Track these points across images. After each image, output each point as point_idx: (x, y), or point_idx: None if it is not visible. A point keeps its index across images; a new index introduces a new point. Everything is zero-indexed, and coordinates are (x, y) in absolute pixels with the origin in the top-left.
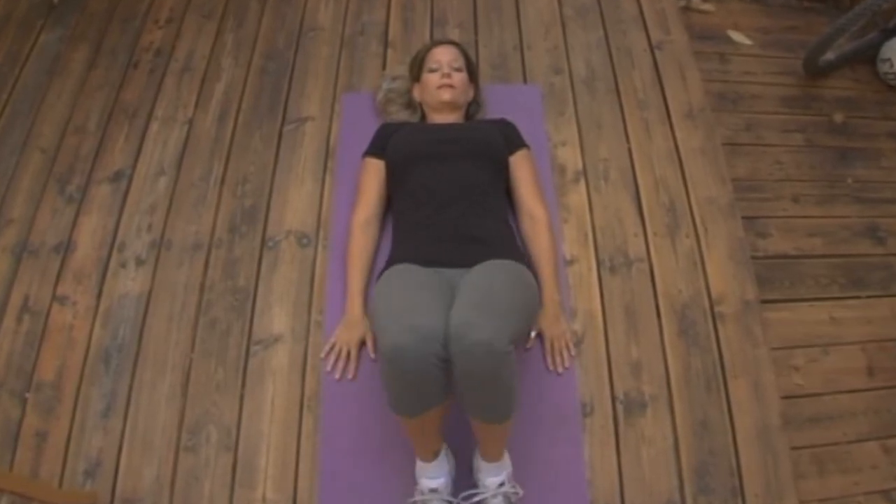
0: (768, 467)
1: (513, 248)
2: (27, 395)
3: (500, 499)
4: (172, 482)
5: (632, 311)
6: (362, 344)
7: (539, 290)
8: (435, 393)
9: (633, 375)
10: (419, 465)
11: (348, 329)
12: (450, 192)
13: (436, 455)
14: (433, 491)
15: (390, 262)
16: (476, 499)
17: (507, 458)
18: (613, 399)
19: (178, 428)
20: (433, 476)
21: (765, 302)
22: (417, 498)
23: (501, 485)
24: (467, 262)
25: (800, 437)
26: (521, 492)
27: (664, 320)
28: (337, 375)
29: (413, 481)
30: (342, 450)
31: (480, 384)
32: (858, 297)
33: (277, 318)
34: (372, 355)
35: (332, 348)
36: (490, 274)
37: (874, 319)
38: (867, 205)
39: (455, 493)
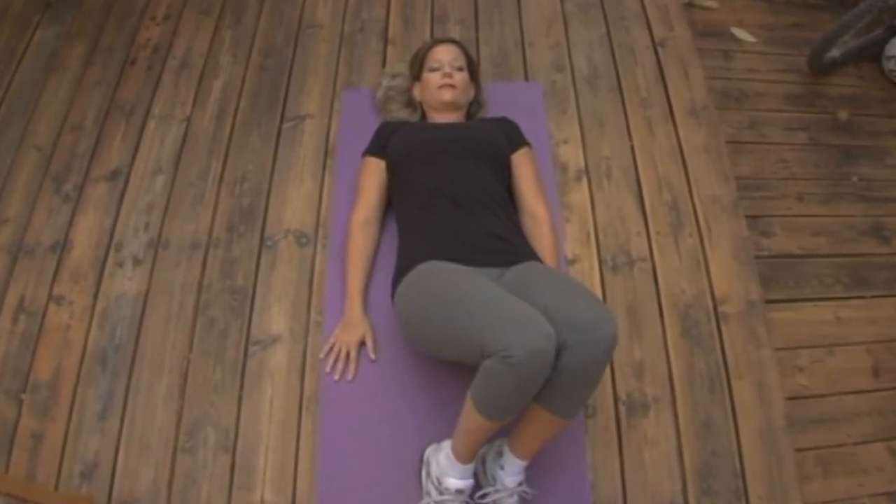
0: (772, 469)
1: (530, 248)
2: (23, 396)
3: (515, 498)
4: (170, 484)
5: (634, 310)
6: (362, 344)
7: None
8: (533, 395)
9: (635, 376)
10: (449, 464)
11: (347, 329)
12: (461, 190)
13: (476, 457)
14: (459, 492)
15: (414, 261)
16: (491, 497)
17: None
18: (616, 400)
19: (175, 429)
20: (463, 477)
21: (769, 302)
22: (439, 498)
23: (520, 484)
24: (499, 262)
25: (804, 439)
26: (533, 492)
27: (667, 320)
28: (336, 376)
29: (414, 482)
30: (341, 451)
31: (589, 377)
32: (863, 297)
33: (276, 319)
34: (372, 356)
35: (331, 349)
36: (551, 273)
37: (879, 319)
38: (872, 203)
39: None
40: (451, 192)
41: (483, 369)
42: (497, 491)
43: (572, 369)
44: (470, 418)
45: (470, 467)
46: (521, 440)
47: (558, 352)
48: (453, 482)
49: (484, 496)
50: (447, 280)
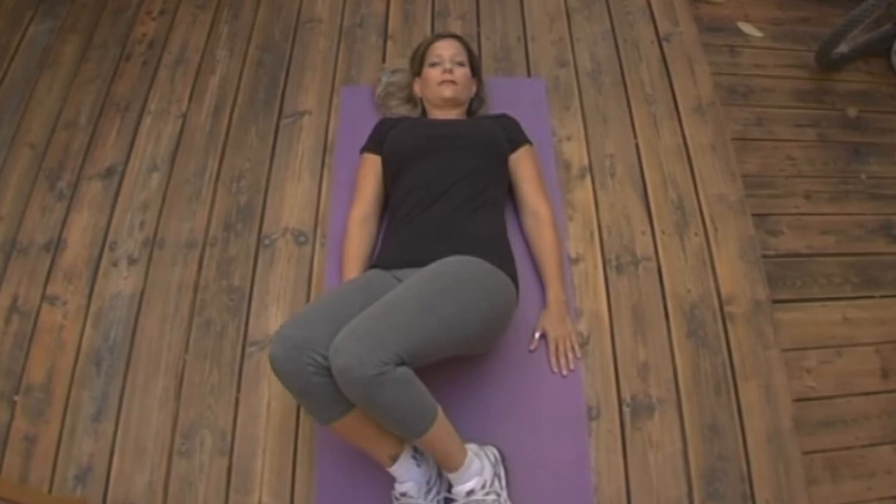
0: (779, 472)
1: (493, 247)
2: (16, 397)
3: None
4: (165, 488)
5: (639, 311)
6: None
7: (545, 289)
8: (330, 402)
9: (640, 378)
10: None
11: None
12: (443, 189)
13: (393, 459)
14: (403, 495)
15: (370, 267)
16: None
17: (476, 465)
18: (620, 402)
19: (171, 432)
20: (400, 480)
21: (776, 302)
22: (393, 502)
23: (470, 493)
24: (419, 262)
25: (812, 442)
26: (500, 494)
27: (672, 321)
28: None
29: None
30: (340, 454)
31: (366, 407)
32: (872, 297)
33: (274, 319)
34: None
35: None
36: (421, 276)
37: (889, 320)
38: (881, 202)
39: (437, 493)
40: (427, 189)
41: None
42: (452, 498)
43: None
44: None
45: (404, 470)
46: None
47: None
48: (396, 486)
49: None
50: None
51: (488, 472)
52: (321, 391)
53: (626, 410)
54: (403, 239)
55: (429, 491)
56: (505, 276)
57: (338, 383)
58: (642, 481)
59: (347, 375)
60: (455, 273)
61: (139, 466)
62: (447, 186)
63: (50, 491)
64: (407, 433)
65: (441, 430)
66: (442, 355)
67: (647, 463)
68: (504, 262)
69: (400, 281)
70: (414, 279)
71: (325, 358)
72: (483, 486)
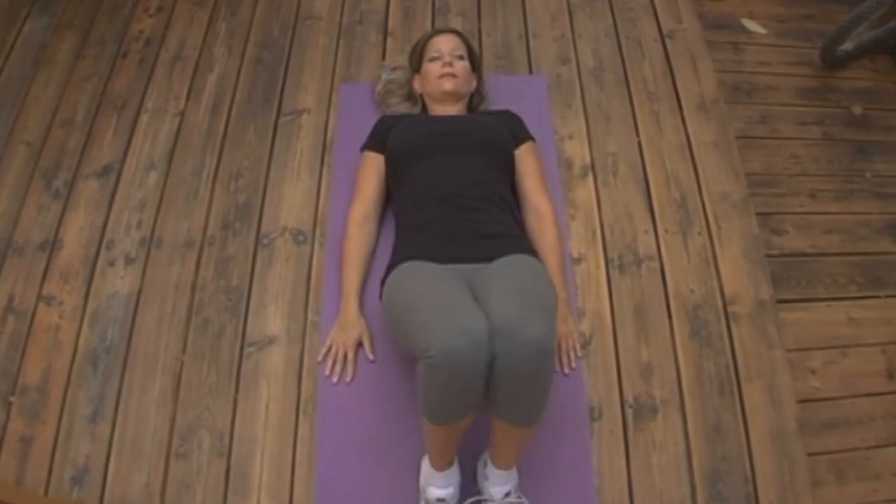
0: (784, 474)
1: (526, 242)
2: (11, 398)
3: None
4: (163, 490)
5: (642, 311)
6: (359, 345)
7: None
8: (476, 400)
9: (643, 378)
10: (429, 473)
11: (343, 330)
12: (458, 187)
13: (450, 464)
14: (440, 501)
15: (399, 260)
16: None
17: (515, 469)
18: (622, 403)
19: (168, 433)
20: (443, 485)
21: (780, 302)
22: None
23: (507, 495)
24: (483, 258)
25: (816, 443)
26: (526, 503)
27: (675, 321)
28: (334, 379)
29: (414, 488)
30: (340, 455)
31: (525, 384)
32: (878, 297)
33: (272, 319)
34: (370, 356)
35: (328, 351)
36: (517, 270)
37: (894, 320)
38: (887, 200)
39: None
40: (447, 187)
41: (417, 372)
42: (483, 501)
43: (504, 375)
44: (424, 424)
45: (449, 475)
46: (494, 449)
47: (494, 357)
48: (434, 491)
49: None
50: (410, 281)
51: (516, 478)
52: (478, 387)
53: (629, 411)
54: (446, 235)
55: (461, 500)
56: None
57: (510, 357)
58: (645, 483)
59: (537, 345)
60: (537, 267)
61: (136, 468)
62: (467, 184)
63: (46, 493)
64: (531, 417)
65: None
66: None
67: (649, 464)
68: (538, 257)
69: (458, 274)
70: (511, 270)
71: (489, 352)
72: (515, 490)
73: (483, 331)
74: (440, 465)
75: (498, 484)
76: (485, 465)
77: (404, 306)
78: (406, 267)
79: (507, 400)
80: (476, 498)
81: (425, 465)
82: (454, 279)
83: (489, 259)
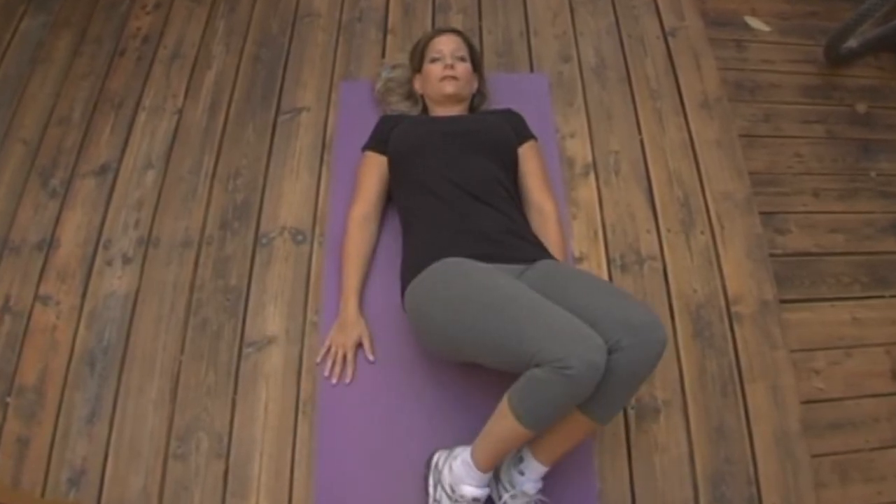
0: (787, 475)
1: (542, 243)
2: (8, 399)
3: None
4: (161, 492)
5: None
6: (359, 346)
7: None
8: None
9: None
10: (466, 471)
11: (343, 331)
12: (473, 184)
13: (495, 467)
14: (476, 500)
15: (429, 258)
16: None
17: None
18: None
19: (166, 434)
20: (482, 485)
21: (784, 302)
22: None
23: (540, 491)
24: (523, 258)
25: (820, 444)
26: (547, 502)
27: (678, 321)
28: (334, 380)
29: (414, 490)
30: (339, 457)
31: (639, 381)
32: (882, 297)
33: (271, 319)
34: (370, 357)
35: (327, 351)
36: (579, 273)
37: None
38: (891, 199)
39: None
40: (464, 185)
41: (531, 378)
42: (514, 497)
43: (621, 372)
44: (505, 426)
45: (488, 476)
46: (548, 444)
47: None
48: (470, 490)
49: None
50: (481, 281)
51: None
52: (588, 395)
53: (631, 413)
54: (474, 234)
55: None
56: None
57: (639, 356)
58: (648, 485)
59: (663, 344)
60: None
61: (134, 469)
62: (479, 184)
63: (43, 494)
64: (614, 411)
65: None
66: None
67: (652, 466)
68: None
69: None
70: (573, 272)
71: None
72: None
73: (604, 343)
74: (489, 467)
75: (533, 479)
76: (519, 459)
77: (484, 306)
78: (447, 265)
79: (606, 395)
80: (504, 498)
81: (459, 462)
82: (522, 283)
83: (529, 261)
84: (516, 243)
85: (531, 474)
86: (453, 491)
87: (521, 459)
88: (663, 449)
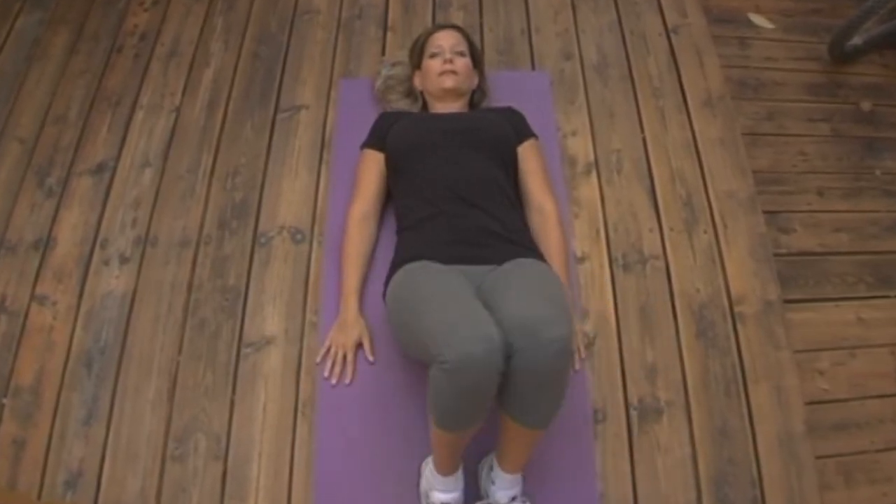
0: (791, 477)
1: (532, 244)
2: (4, 400)
3: None
4: (158, 493)
5: (647, 311)
6: (359, 346)
7: None
8: (487, 406)
9: (647, 380)
10: (433, 477)
11: (343, 331)
12: (463, 185)
13: (455, 469)
14: None
15: (404, 260)
16: None
17: (521, 473)
18: (627, 405)
19: (164, 436)
20: (449, 490)
21: (787, 302)
22: None
23: (513, 499)
24: (492, 259)
25: (825, 446)
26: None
27: (681, 321)
28: (333, 380)
29: (414, 491)
30: (339, 458)
31: (544, 383)
32: (887, 297)
33: (270, 319)
34: (370, 357)
35: (327, 351)
36: (529, 271)
37: None
38: None
39: None
40: (452, 185)
41: (430, 377)
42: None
43: (521, 374)
44: (432, 429)
45: (454, 479)
46: (502, 452)
47: (509, 357)
48: (438, 496)
49: None
50: (417, 281)
51: (521, 482)
52: (491, 393)
53: (634, 413)
54: (453, 235)
55: None
56: None
57: (533, 356)
58: (650, 487)
59: (561, 344)
60: (547, 270)
61: (131, 471)
62: (472, 182)
63: (39, 497)
64: (546, 418)
65: None
66: None
67: (654, 468)
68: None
69: (466, 276)
70: (524, 271)
71: (503, 358)
72: (520, 494)
73: (498, 337)
74: (446, 471)
75: (504, 488)
76: (490, 468)
77: (411, 309)
78: (412, 267)
79: (522, 400)
80: (481, 502)
81: (428, 469)
82: (463, 282)
83: (499, 261)
84: (492, 244)
85: (500, 482)
86: (427, 498)
87: (491, 468)
88: (666, 450)
